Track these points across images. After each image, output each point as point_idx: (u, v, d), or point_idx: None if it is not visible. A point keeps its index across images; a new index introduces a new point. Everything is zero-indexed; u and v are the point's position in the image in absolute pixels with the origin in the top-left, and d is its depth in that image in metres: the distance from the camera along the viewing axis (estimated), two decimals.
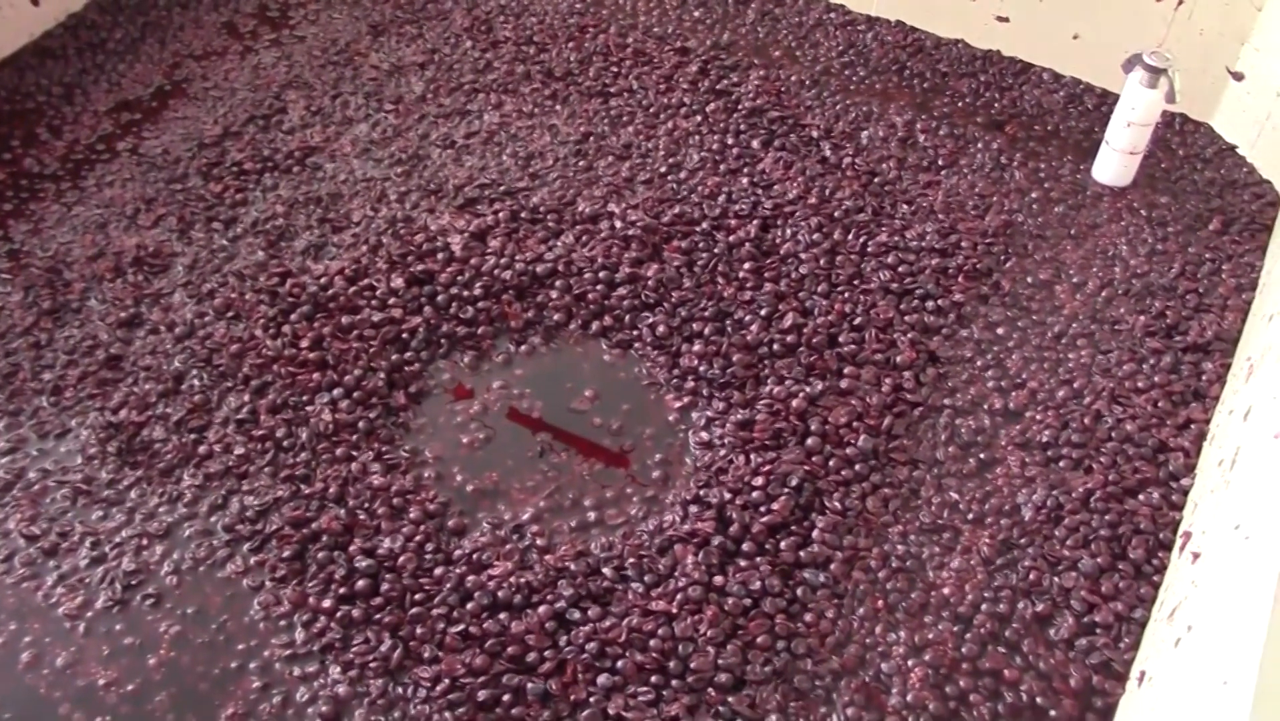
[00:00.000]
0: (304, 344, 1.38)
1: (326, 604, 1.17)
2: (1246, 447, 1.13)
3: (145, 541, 1.22)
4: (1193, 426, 1.36)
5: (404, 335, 1.41)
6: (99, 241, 1.51)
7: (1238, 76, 1.72)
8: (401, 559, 1.20)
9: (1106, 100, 1.79)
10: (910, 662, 1.16)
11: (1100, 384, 1.41)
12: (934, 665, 1.16)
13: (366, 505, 1.25)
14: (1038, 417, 1.37)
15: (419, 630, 1.15)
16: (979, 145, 1.72)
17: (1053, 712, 1.14)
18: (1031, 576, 1.23)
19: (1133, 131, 1.62)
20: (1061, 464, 1.33)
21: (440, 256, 1.48)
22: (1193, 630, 1.01)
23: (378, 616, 1.16)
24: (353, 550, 1.21)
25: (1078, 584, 1.23)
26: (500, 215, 1.54)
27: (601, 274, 1.47)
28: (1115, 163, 1.66)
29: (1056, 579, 1.23)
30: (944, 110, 1.78)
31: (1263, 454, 1.06)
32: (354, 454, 1.29)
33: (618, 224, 1.54)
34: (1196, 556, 1.13)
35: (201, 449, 1.30)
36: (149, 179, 1.60)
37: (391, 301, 1.43)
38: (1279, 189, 1.67)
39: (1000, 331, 1.47)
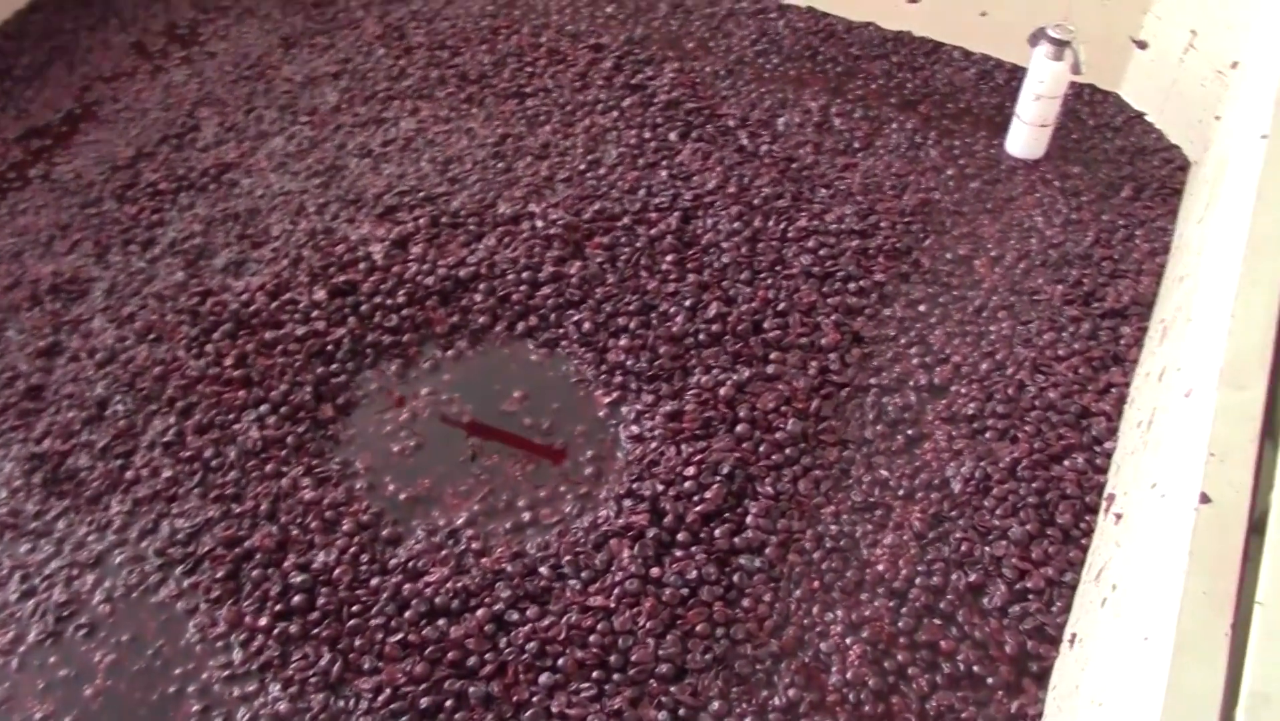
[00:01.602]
0: (228, 362, 1.37)
1: (263, 622, 1.16)
2: (1162, 408, 1.16)
3: (76, 571, 1.21)
4: (1113, 390, 1.38)
5: (329, 347, 1.40)
6: (14, 271, 1.49)
7: (1141, 45, 1.75)
8: (337, 571, 1.19)
9: (1016, 75, 1.81)
10: (848, 640, 1.17)
11: (1022, 354, 1.43)
12: (872, 641, 1.17)
13: (299, 520, 1.24)
14: (962, 391, 1.39)
15: (358, 642, 1.15)
16: (894, 126, 1.74)
17: (990, 680, 1.15)
18: (963, 547, 1.25)
19: (1042, 104, 1.64)
20: (988, 435, 1.35)
21: (362, 266, 1.48)
22: (1117, 589, 1.03)
23: (315, 631, 1.15)
24: (287, 566, 1.20)
25: (1008, 552, 1.25)
26: (421, 221, 1.54)
27: (525, 274, 1.48)
28: (1027, 136, 1.68)
29: (987, 548, 1.25)
30: (858, 93, 1.79)
31: (1176, 413, 1.08)
32: (284, 469, 1.29)
33: (539, 223, 1.54)
34: (1119, 517, 1.15)
35: (129, 474, 1.28)
36: (63, 205, 1.58)
37: (315, 314, 1.43)
38: (1187, 153, 1.70)
39: (922, 308, 1.49)
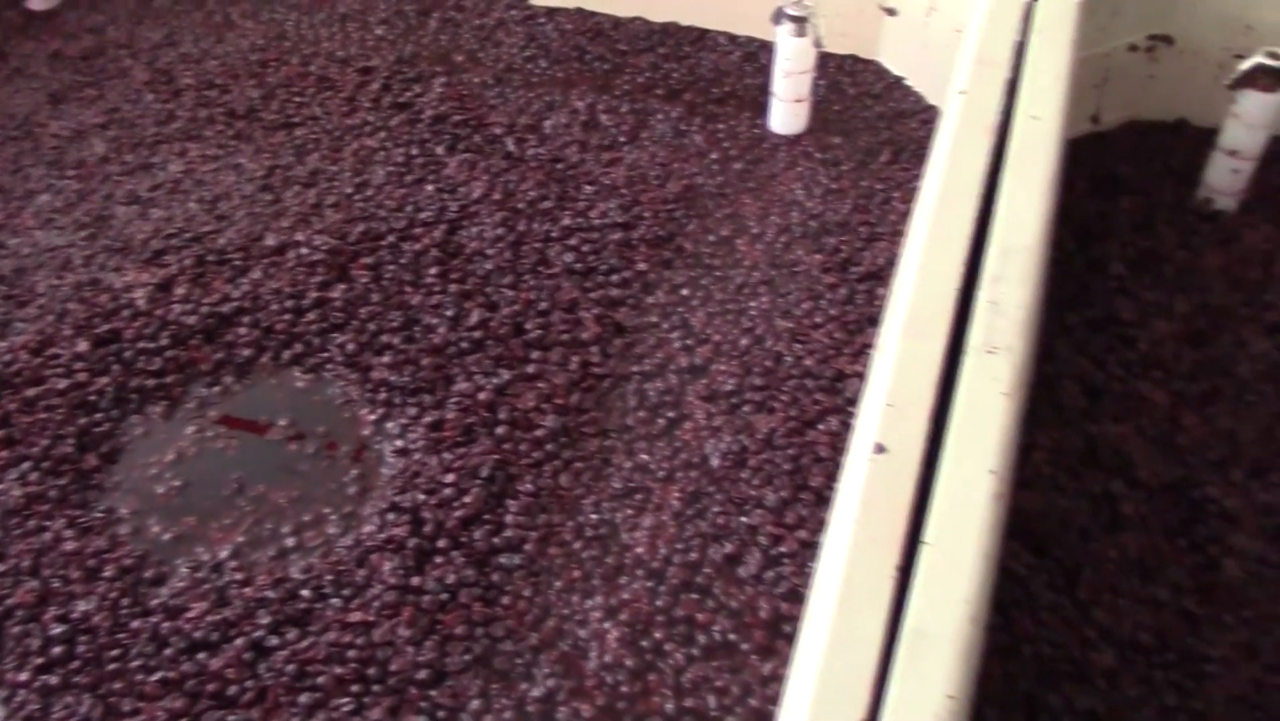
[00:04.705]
0: None
1: (23, 677, 1.16)
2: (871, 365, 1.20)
3: None
4: (867, 351, 1.43)
5: (91, 397, 1.40)
6: None
7: (890, 12, 1.80)
8: (97, 619, 1.20)
9: None
10: (607, 625, 1.20)
11: (780, 325, 1.47)
12: (630, 623, 1.20)
13: (61, 572, 1.25)
14: (722, 368, 1.43)
15: (118, 685, 1.15)
16: (659, 116, 1.77)
17: (744, 646, 1.19)
18: (720, 521, 1.28)
19: (793, 80, 1.68)
20: (746, 409, 1.39)
21: (125, 313, 1.48)
22: (819, 546, 1.07)
23: (75, 679, 1.16)
24: (47, 619, 1.20)
25: (764, 520, 1.28)
26: (186, 262, 1.54)
27: (289, 303, 1.49)
28: (785, 112, 1.73)
29: (743, 518, 1.28)
30: (625, 88, 1.83)
31: (874, 368, 1.12)
32: (46, 524, 1.29)
33: (304, 251, 1.55)
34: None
35: None
36: None
37: (77, 366, 1.43)
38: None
39: (685, 292, 1.52)
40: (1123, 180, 1.67)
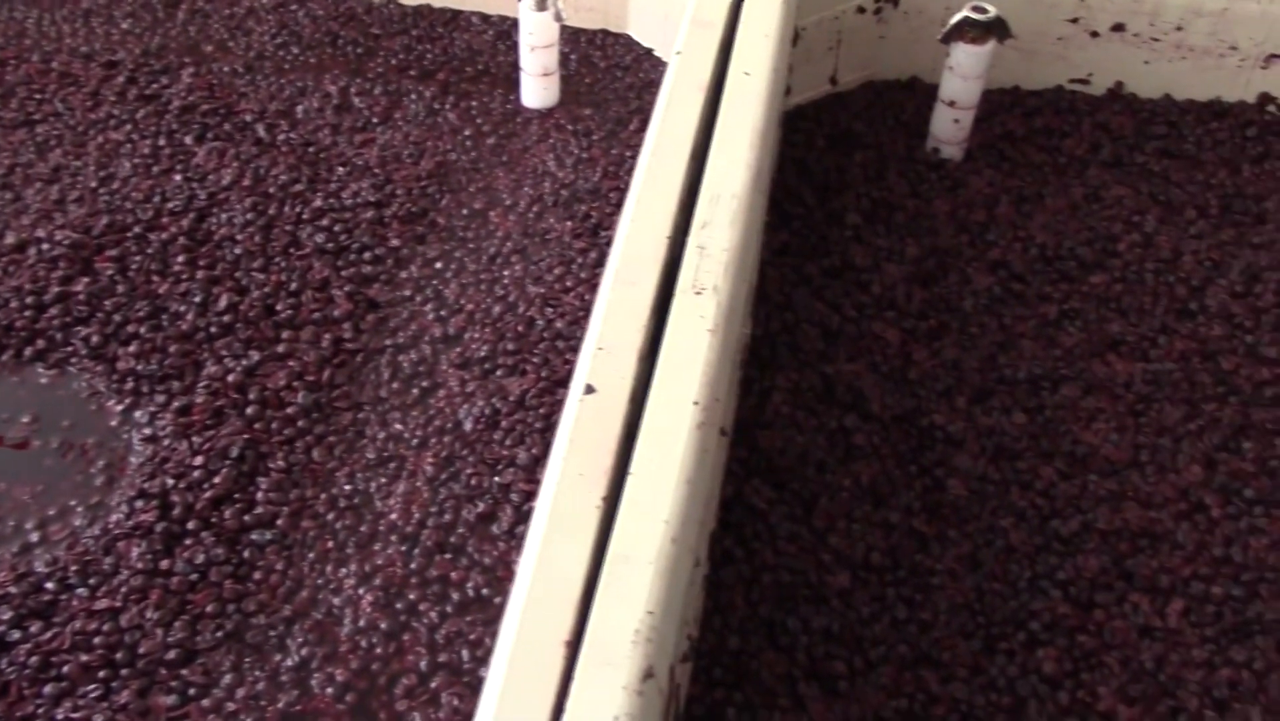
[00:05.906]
0: None
1: None
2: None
3: None
4: None
5: None
6: None
7: None
8: None
9: None
10: (361, 591, 1.22)
11: (533, 291, 1.50)
12: (384, 587, 1.22)
13: None
14: (475, 336, 1.45)
15: None
16: (413, 97, 1.79)
17: (498, 600, 1.22)
18: (473, 482, 1.31)
19: (539, 55, 1.72)
20: (499, 373, 1.41)
21: None
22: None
23: None
24: None
25: (516, 478, 1.31)
26: None
27: (29, 299, 1.46)
28: (535, 86, 1.76)
29: (496, 478, 1.31)
30: (378, 71, 1.84)
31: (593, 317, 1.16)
32: None
33: (45, 247, 1.52)
34: None
35: None
36: None
37: None
38: None
39: (438, 266, 1.55)
40: (858, 136, 1.75)
